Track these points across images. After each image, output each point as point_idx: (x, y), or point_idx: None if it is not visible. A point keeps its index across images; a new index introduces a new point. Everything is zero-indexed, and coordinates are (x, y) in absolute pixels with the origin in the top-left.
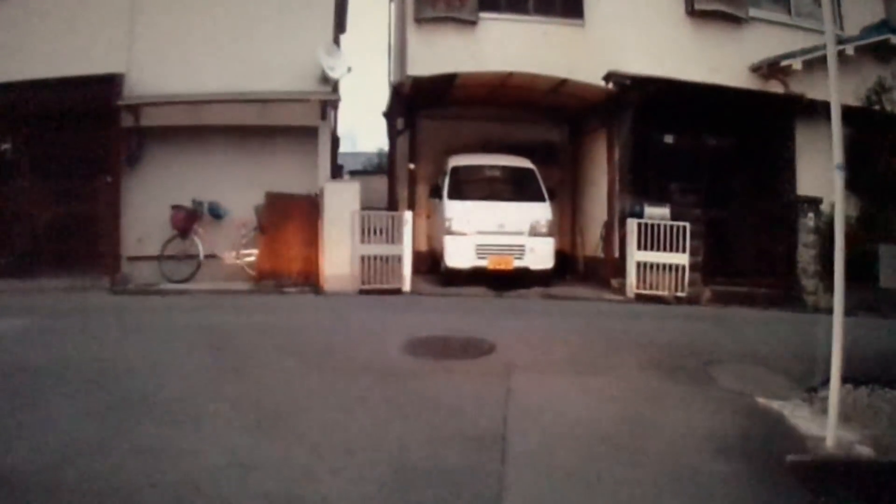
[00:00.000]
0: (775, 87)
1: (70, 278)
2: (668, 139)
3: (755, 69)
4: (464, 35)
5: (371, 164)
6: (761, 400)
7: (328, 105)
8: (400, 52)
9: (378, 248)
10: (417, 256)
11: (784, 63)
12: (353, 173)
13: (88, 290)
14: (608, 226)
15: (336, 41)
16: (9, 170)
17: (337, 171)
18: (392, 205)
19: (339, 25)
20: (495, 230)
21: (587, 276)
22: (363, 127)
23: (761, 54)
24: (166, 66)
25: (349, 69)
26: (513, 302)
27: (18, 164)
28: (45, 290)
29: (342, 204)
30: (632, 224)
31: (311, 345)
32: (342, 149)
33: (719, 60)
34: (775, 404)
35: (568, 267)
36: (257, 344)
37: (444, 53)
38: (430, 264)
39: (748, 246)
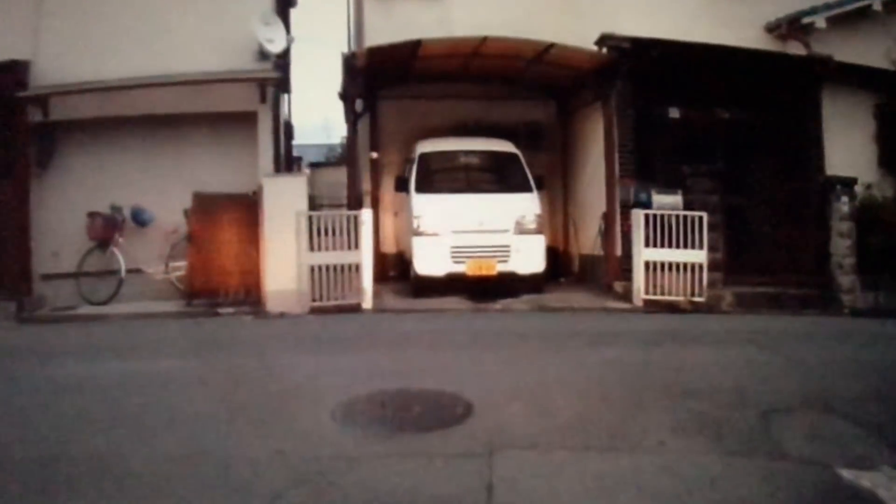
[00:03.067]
0: (795, 50)
1: None
2: (674, 113)
3: (771, 29)
4: (429, 0)
5: (336, 156)
6: (845, 474)
7: (268, 85)
8: (357, 25)
9: (331, 257)
10: (384, 260)
11: (806, 20)
12: (316, 166)
13: None
14: (608, 218)
15: (283, 12)
16: None
17: (290, 164)
18: (353, 201)
19: None
20: (474, 228)
21: (584, 278)
22: (339, 116)
23: (777, 12)
24: (80, 51)
25: (291, 41)
26: (497, 320)
27: None
28: None
29: (286, 203)
30: (637, 216)
31: (211, 414)
32: (312, 139)
33: (728, 19)
34: (865, 480)
35: (560, 267)
36: (134, 416)
37: (406, 22)
38: (400, 269)
39: (772, 237)
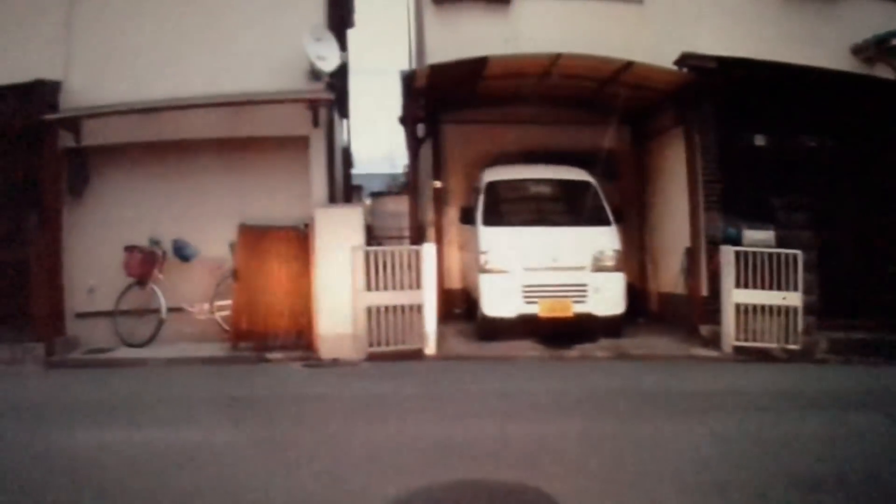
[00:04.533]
0: (882, 73)
1: (1, 343)
2: (759, 140)
3: (858, 51)
4: (495, 16)
5: (398, 185)
6: None
7: (320, 107)
8: (418, 46)
9: (390, 297)
10: (448, 296)
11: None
12: (377, 195)
13: (16, 362)
14: (692, 254)
15: (338, 31)
16: None
17: (349, 194)
18: (415, 233)
19: (339, 13)
20: (548, 265)
21: (663, 318)
22: (402, 145)
23: (864, 33)
24: (114, 70)
25: (345, 59)
26: (576, 372)
27: None
28: None
29: (340, 237)
30: (727, 253)
31: None
32: (376, 169)
33: (812, 40)
34: None
35: (637, 305)
36: None
37: (470, 39)
38: (465, 306)
39: (864, 276)
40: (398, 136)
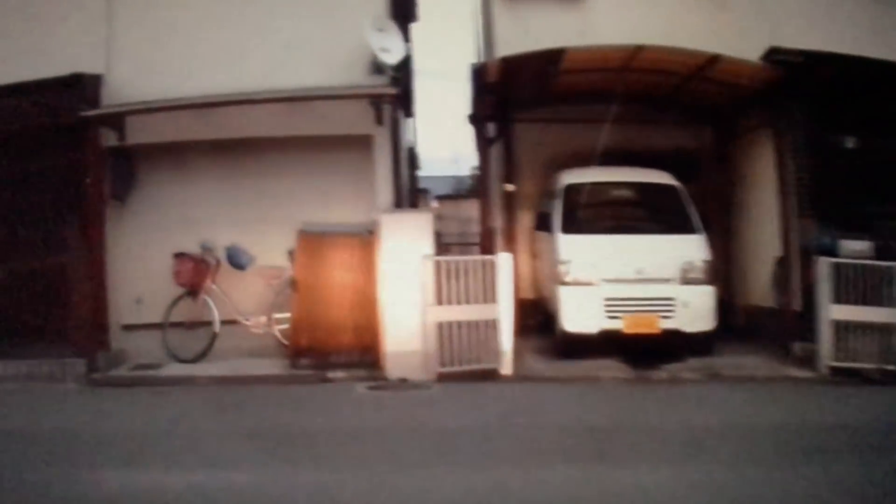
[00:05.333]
0: None
1: (35, 360)
2: (850, 142)
3: None
4: (567, 9)
5: (466, 188)
6: None
7: (384, 104)
8: (486, 38)
9: (463, 311)
10: (521, 307)
11: None
12: (443, 199)
13: (55, 379)
14: (783, 265)
15: (401, 24)
16: None
17: (414, 197)
18: (486, 240)
19: (403, 5)
20: (632, 277)
21: (750, 333)
22: (467, 146)
23: None
24: (160, 64)
25: (409, 51)
26: (666, 397)
27: None
28: None
29: (407, 244)
30: (823, 266)
31: None
32: (440, 171)
33: None
34: None
35: (721, 318)
36: None
37: (541, 33)
38: (540, 318)
39: None
40: (461, 136)
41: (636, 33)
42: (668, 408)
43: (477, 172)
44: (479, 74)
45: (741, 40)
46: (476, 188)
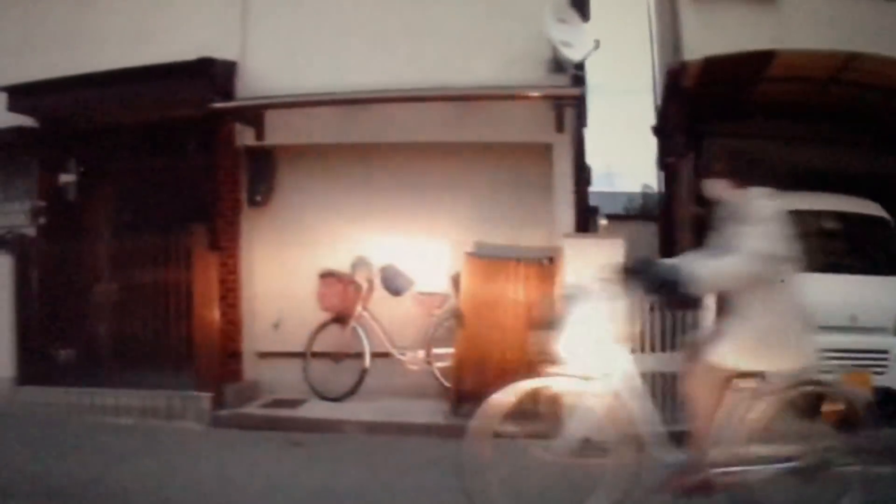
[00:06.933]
0: None
1: (152, 390)
2: None
3: None
4: (762, 10)
5: (633, 208)
6: None
7: (566, 107)
8: (667, 41)
9: (660, 360)
10: None
11: None
12: (612, 219)
13: (174, 415)
14: None
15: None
16: (71, 215)
17: (586, 217)
18: None
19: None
20: (841, 324)
21: None
22: (619, 160)
23: None
24: (302, 53)
25: (596, 45)
26: None
27: (84, 208)
28: (107, 408)
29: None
30: None
31: None
32: (594, 186)
33: None
34: None
35: None
36: None
37: (734, 35)
38: None
39: None
40: (617, 150)
41: (838, 42)
42: None
43: (654, 191)
44: (675, 77)
45: None
46: (651, 208)
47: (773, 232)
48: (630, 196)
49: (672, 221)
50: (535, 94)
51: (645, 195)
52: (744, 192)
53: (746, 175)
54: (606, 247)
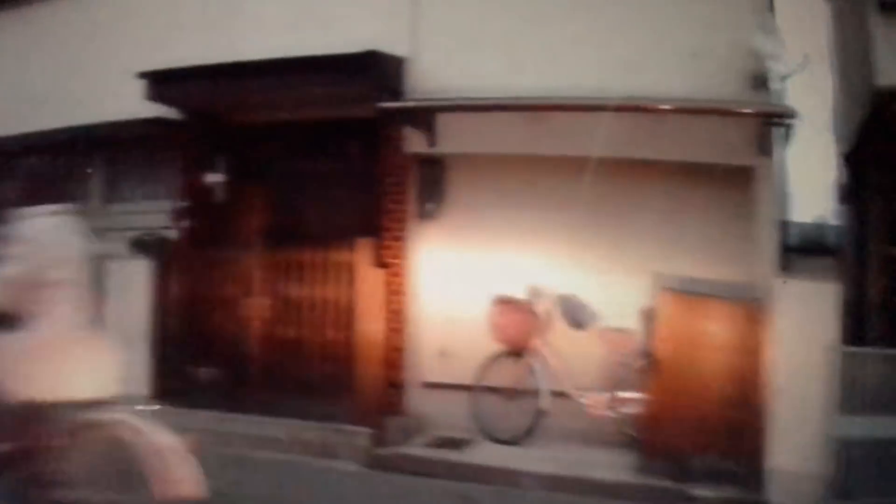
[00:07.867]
0: None
1: (303, 421)
2: None
3: None
4: None
5: (807, 240)
6: None
7: (773, 127)
8: (853, 61)
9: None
10: None
11: None
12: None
13: (327, 452)
14: None
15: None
16: (218, 219)
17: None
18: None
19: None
20: None
21: None
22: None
23: None
24: (478, 53)
25: (806, 60)
26: None
27: (232, 212)
28: (250, 439)
29: (808, 324)
30: None
31: None
32: None
33: None
34: None
35: None
36: None
37: None
38: None
39: None
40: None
41: None
42: None
43: (840, 224)
44: (883, 102)
45: None
46: (836, 247)
47: None
48: (801, 227)
49: (867, 267)
50: (747, 110)
51: (822, 227)
52: None
53: None
54: (821, 291)
